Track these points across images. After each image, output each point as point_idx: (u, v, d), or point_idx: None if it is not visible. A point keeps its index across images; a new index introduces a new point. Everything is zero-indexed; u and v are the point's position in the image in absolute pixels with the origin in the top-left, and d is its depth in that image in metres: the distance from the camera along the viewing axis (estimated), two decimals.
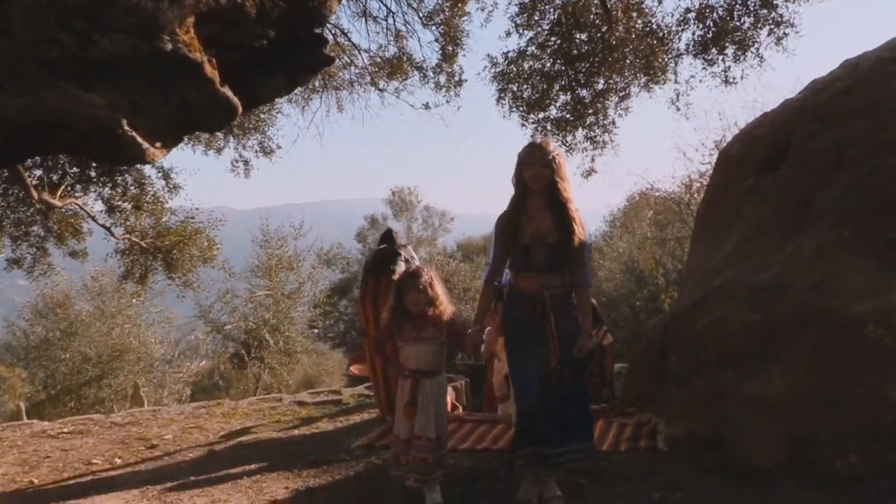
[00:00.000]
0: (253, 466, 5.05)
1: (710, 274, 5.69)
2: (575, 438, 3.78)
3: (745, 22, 7.36)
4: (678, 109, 9.13)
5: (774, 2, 7.21)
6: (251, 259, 20.00)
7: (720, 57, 7.66)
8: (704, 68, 8.26)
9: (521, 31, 8.24)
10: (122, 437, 6.21)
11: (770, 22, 7.36)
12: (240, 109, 2.66)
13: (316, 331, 20.55)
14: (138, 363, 15.92)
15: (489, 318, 4.90)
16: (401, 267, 7.32)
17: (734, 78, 8.56)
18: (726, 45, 7.47)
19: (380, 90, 9.99)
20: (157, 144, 2.43)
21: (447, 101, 9.53)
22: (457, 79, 8.53)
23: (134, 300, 15.42)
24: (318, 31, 2.89)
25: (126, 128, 2.34)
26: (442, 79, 8.56)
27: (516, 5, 8.38)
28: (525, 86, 8.46)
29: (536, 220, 3.72)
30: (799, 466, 3.91)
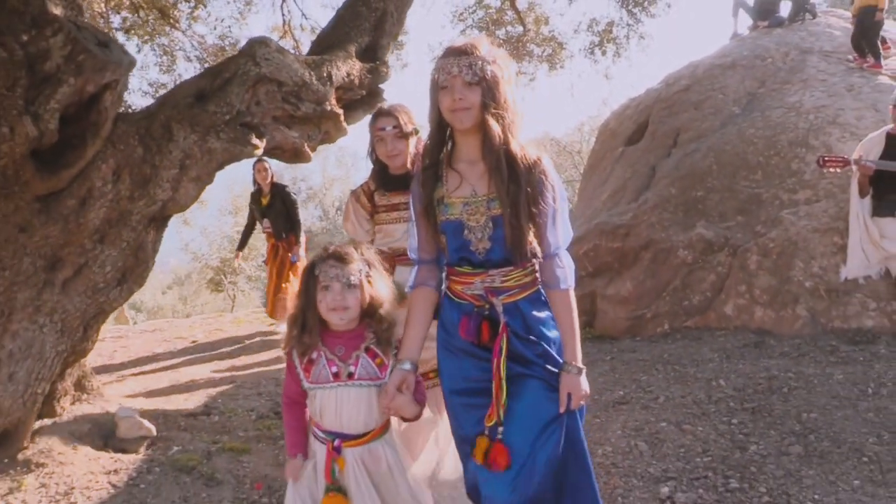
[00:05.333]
0: (276, 355, 7.10)
1: (590, 216, 8.22)
2: None
3: (619, 34, 9.92)
4: (572, 96, 11.77)
5: (640, 19, 9.78)
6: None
7: (602, 58, 10.18)
8: (591, 66, 10.79)
9: (454, 24, 10.51)
10: (164, 338, 8.04)
11: (637, 35, 9.94)
12: (348, 131, 4.77)
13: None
14: None
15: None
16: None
17: (611, 75, 11.16)
18: (607, 49, 9.97)
19: None
20: (312, 154, 4.55)
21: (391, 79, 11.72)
22: (402, 62, 10.69)
23: None
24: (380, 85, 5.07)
25: (305, 148, 4.47)
26: (391, 60, 10.56)
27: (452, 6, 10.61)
28: None
29: (470, 179, 2.28)
30: (634, 333, 6.54)
